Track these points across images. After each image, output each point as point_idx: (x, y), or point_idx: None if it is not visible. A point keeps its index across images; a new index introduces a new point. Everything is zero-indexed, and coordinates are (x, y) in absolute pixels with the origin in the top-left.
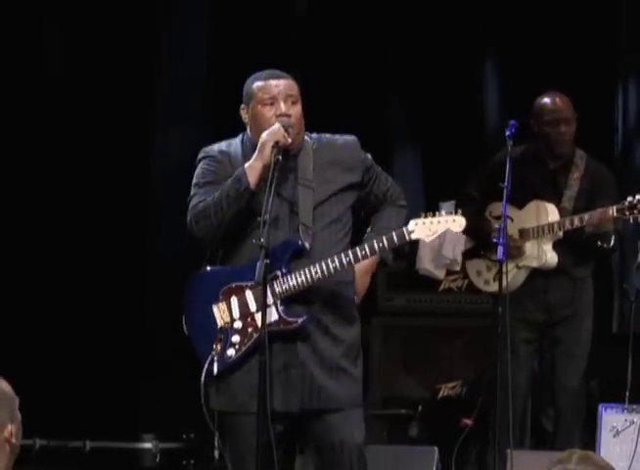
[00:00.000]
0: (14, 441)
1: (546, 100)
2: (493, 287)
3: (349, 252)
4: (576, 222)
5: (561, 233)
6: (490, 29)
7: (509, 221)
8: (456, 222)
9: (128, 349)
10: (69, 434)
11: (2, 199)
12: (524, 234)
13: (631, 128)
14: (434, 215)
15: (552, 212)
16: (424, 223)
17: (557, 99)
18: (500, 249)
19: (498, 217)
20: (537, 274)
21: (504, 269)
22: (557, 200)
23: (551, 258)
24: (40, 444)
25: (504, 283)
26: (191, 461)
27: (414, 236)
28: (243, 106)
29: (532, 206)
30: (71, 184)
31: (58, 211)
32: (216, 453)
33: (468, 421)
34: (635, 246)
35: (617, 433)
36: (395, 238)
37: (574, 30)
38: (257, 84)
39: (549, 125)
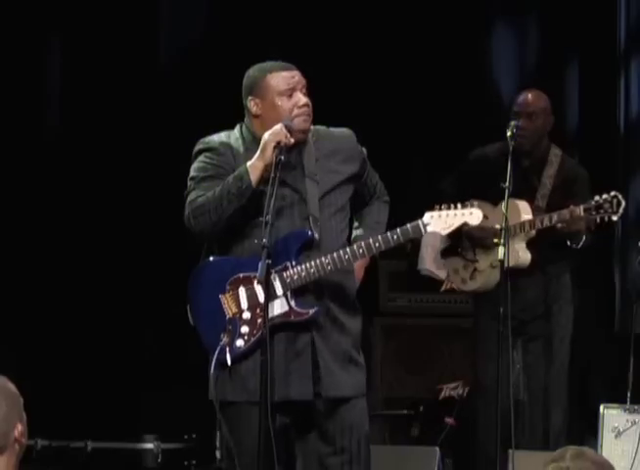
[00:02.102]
0: (23, 440)
1: (520, 94)
2: (470, 286)
3: (362, 244)
4: (546, 222)
5: (533, 232)
6: (490, 28)
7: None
8: (473, 215)
9: (130, 349)
10: (71, 434)
11: (3, 197)
12: (496, 232)
13: (634, 121)
14: (449, 208)
15: (524, 210)
16: (439, 216)
17: (529, 94)
18: (501, 249)
19: None
20: (511, 273)
21: (505, 269)
22: (530, 198)
23: (524, 256)
24: (42, 444)
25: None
26: (192, 462)
27: (430, 229)
28: (251, 98)
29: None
30: (70, 182)
31: (57, 211)
32: (218, 454)
33: (450, 420)
34: (636, 245)
35: (619, 433)
36: (410, 230)
37: (575, 18)
38: (272, 75)
39: (513, 118)
